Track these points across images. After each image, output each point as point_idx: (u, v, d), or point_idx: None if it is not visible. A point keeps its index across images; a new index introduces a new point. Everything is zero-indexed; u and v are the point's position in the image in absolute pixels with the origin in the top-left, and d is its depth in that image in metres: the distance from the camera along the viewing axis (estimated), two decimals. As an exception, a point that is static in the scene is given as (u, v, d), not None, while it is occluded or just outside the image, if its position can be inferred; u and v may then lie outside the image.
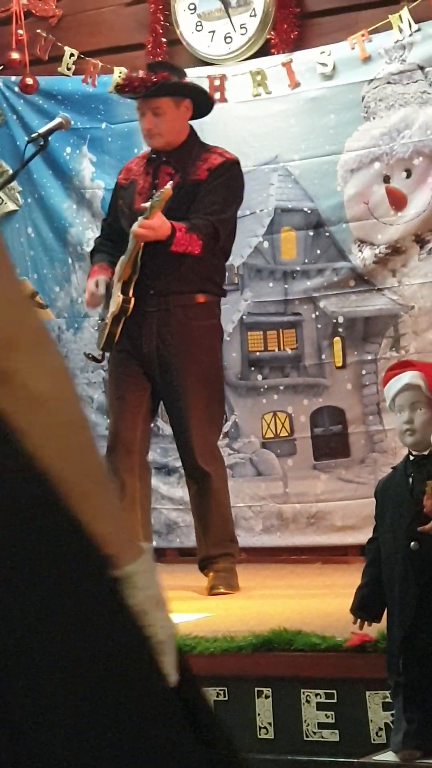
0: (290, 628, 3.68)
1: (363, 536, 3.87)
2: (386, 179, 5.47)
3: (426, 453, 3.32)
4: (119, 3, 6.10)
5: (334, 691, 3.53)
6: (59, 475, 1.20)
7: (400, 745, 3.20)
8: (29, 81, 5.95)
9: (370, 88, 5.51)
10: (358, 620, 3.39)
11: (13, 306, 1.20)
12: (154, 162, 4.75)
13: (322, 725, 3.54)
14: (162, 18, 5.91)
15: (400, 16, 5.41)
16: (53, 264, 6.10)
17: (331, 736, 3.53)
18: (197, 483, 4.70)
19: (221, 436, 5.49)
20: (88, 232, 5.92)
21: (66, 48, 6.07)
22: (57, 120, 4.97)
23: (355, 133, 5.53)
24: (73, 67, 6.08)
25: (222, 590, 4.61)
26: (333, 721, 3.53)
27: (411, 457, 3.36)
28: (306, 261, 5.65)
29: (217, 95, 5.77)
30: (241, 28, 5.78)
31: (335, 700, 3.54)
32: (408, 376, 3.35)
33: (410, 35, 5.41)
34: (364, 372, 5.52)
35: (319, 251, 5.62)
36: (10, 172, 5.64)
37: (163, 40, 5.91)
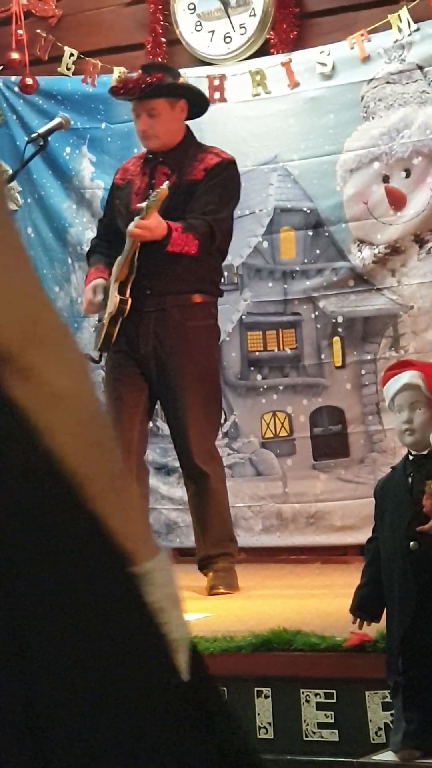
0: (290, 628, 3.68)
1: (362, 536, 3.87)
2: (385, 179, 5.47)
3: (425, 453, 3.32)
4: (119, 3, 6.10)
5: (334, 691, 3.53)
6: (78, 471, 1.20)
7: (399, 744, 3.20)
8: (29, 81, 5.95)
9: (370, 87, 5.51)
10: (358, 620, 3.39)
11: (32, 301, 1.21)
12: (150, 162, 4.75)
13: (321, 725, 3.55)
14: (161, 18, 5.91)
15: (399, 15, 5.42)
16: (53, 264, 6.10)
17: (331, 736, 3.53)
18: (195, 483, 4.70)
19: (221, 436, 5.49)
20: (87, 232, 5.92)
21: (66, 48, 6.07)
22: (57, 120, 4.97)
23: (355, 132, 5.53)
24: (73, 67, 6.08)
25: (221, 590, 4.61)
26: (332, 720, 3.53)
27: (410, 457, 3.36)
28: (305, 261, 5.65)
29: (216, 95, 5.77)
30: (240, 27, 5.78)
31: (335, 700, 3.54)
32: (407, 376, 3.35)
33: (409, 35, 5.41)
34: (363, 372, 5.53)
35: (318, 251, 5.62)
36: (10, 172, 5.64)
37: (163, 40, 5.91)
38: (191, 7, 5.88)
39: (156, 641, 1.22)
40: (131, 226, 4.49)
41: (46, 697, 1.13)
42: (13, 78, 6.08)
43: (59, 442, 1.20)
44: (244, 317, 5.75)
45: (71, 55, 6.07)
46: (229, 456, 5.70)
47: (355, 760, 3.36)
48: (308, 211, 5.64)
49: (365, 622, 3.39)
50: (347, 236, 5.55)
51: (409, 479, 3.32)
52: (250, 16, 5.76)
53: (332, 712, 3.53)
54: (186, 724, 1.21)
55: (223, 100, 5.78)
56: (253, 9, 5.74)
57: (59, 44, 6.08)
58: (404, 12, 5.40)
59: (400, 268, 5.43)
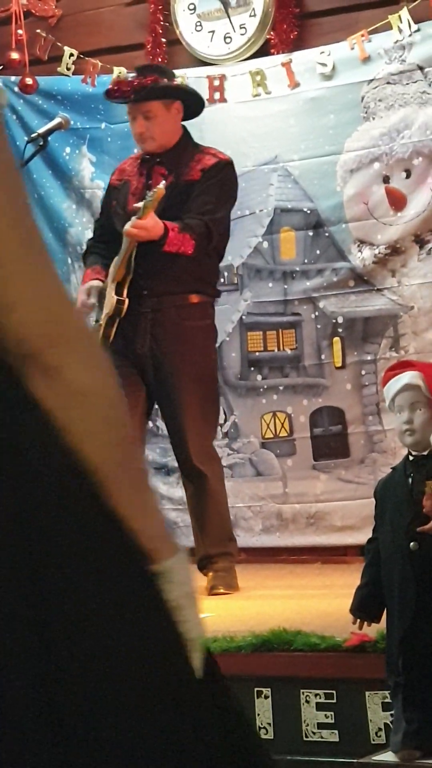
0: (290, 628, 3.68)
1: (362, 536, 3.87)
2: (386, 179, 5.47)
3: (425, 453, 3.32)
4: (119, 3, 6.10)
5: (334, 692, 3.53)
6: (100, 469, 1.22)
7: (399, 745, 3.20)
8: (29, 81, 5.95)
9: (370, 88, 5.51)
10: (358, 620, 3.39)
11: (57, 300, 1.23)
12: (147, 163, 4.75)
13: (321, 725, 3.54)
14: (161, 18, 5.91)
15: (399, 16, 5.42)
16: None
17: (331, 737, 3.53)
18: (194, 483, 4.70)
19: (221, 436, 5.49)
20: (87, 233, 5.91)
21: (65, 48, 6.07)
22: (56, 120, 4.97)
23: (355, 133, 5.53)
24: (73, 67, 6.08)
25: (221, 590, 4.61)
26: (332, 721, 3.53)
27: (410, 458, 3.36)
28: (305, 261, 5.65)
29: (216, 95, 5.78)
30: (240, 28, 5.78)
31: (335, 701, 3.54)
32: (407, 377, 3.35)
33: (410, 35, 5.41)
34: (363, 372, 5.53)
35: (318, 251, 5.62)
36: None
37: (163, 40, 5.91)
38: (191, 7, 5.88)
39: (172, 639, 1.24)
40: (128, 226, 4.49)
41: (67, 686, 1.15)
42: (12, 78, 6.08)
43: (82, 441, 1.22)
44: (244, 317, 5.75)
45: (71, 55, 6.07)
46: (229, 456, 5.70)
47: (355, 760, 3.36)
48: (308, 212, 5.64)
49: (365, 623, 3.39)
50: (347, 236, 5.55)
51: (410, 480, 3.32)
52: (250, 16, 5.76)
53: (332, 713, 3.53)
54: (198, 721, 1.23)
55: (223, 100, 5.79)
56: (254, 9, 5.74)
57: (59, 44, 6.08)
58: (404, 12, 5.40)
59: (400, 268, 5.43)
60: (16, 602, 1.15)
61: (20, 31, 6.00)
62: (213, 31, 5.84)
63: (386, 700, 3.40)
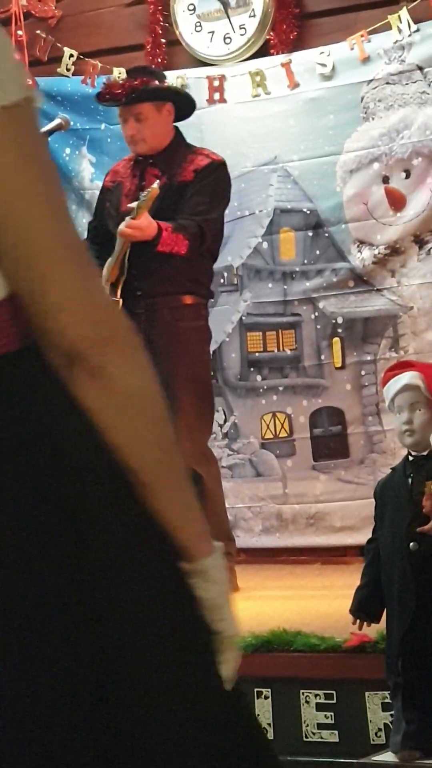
0: (289, 628, 3.68)
1: (362, 537, 3.87)
2: (385, 180, 5.47)
3: (425, 453, 3.33)
4: (119, 4, 6.09)
5: (334, 692, 3.53)
6: (144, 469, 1.24)
7: (399, 745, 3.20)
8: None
9: (369, 88, 5.51)
10: (358, 621, 3.39)
11: (103, 302, 1.25)
12: (140, 164, 4.75)
13: (321, 726, 3.55)
14: (161, 19, 5.91)
15: (399, 16, 5.42)
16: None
17: (331, 737, 3.53)
18: (190, 485, 4.69)
19: (221, 436, 5.49)
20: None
21: (65, 49, 6.07)
22: (56, 121, 4.97)
23: (355, 133, 5.53)
24: (73, 67, 6.08)
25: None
26: (332, 721, 3.53)
27: (410, 458, 3.36)
28: (305, 261, 5.65)
29: (216, 96, 5.78)
30: (240, 28, 5.78)
31: (334, 701, 3.54)
32: (407, 377, 3.35)
33: (409, 36, 5.41)
34: (363, 372, 5.53)
35: (318, 252, 5.62)
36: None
37: (163, 40, 5.91)
38: (191, 7, 5.88)
39: (203, 634, 1.27)
40: (122, 226, 4.49)
41: (116, 674, 1.19)
42: (12, 79, 6.07)
43: (127, 440, 1.24)
44: (243, 318, 5.75)
45: (71, 55, 6.07)
46: (229, 457, 5.70)
47: (354, 760, 3.36)
48: (308, 212, 5.64)
49: (365, 623, 3.39)
50: (347, 237, 5.55)
51: (409, 480, 3.32)
52: (249, 16, 5.76)
53: (332, 713, 3.54)
54: (226, 717, 1.27)
55: (222, 100, 5.78)
56: (253, 10, 5.74)
57: (59, 45, 6.08)
58: (404, 13, 5.40)
59: (399, 268, 5.43)
60: (69, 595, 1.17)
61: (20, 32, 6.00)
62: (213, 32, 5.84)
63: (386, 701, 3.40)
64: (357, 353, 5.54)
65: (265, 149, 5.70)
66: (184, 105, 4.76)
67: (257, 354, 5.76)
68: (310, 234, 5.64)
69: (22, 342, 1.23)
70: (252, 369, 5.75)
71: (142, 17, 5.98)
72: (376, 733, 3.48)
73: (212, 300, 5.36)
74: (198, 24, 5.87)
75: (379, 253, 5.45)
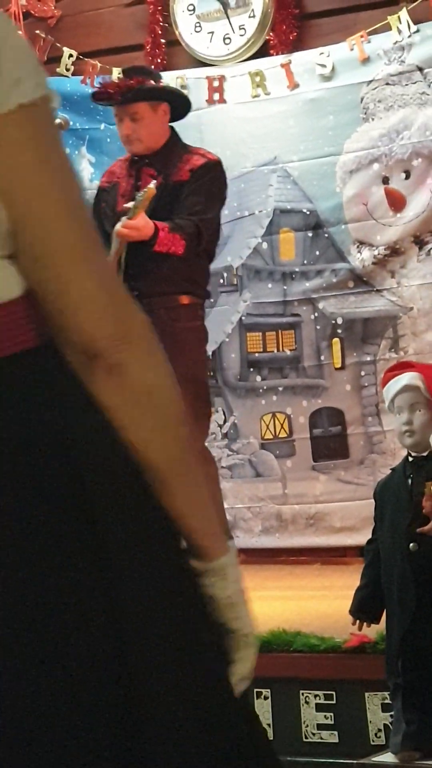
0: (289, 629, 3.68)
1: (362, 537, 3.87)
2: (385, 180, 5.47)
3: (425, 454, 3.33)
4: (118, 4, 6.09)
5: (333, 693, 3.53)
6: (162, 467, 1.25)
7: (399, 746, 3.20)
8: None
9: (369, 89, 5.51)
10: (357, 621, 3.39)
11: (122, 299, 1.26)
12: (136, 164, 4.75)
13: (321, 726, 3.55)
14: (161, 19, 5.91)
15: (398, 17, 5.42)
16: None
17: (330, 737, 3.53)
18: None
19: (220, 437, 5.48)
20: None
21: (65, 49, 6.07)
22: (56, 121, 4.96)
23: (354, 134, 5.53)
24: (72, 67, 6.08)
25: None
26: (332, 722, 3.53)
27: (410, 459, 3.36)
28: (305, 262, 5.65)
29: (216, 96, 5.77)
30: (240, 29, 5.78)
31: (334, 702, 3.54)
32: (407, 378, 3.35)
33: (409, 36, 5.41)
34: (363, 373, 5.53)
35: (318, 252, 5.62)
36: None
37: (162, 41, 5.91)
38: (191, 8, 5.88)
39: (212, 639, 1.28)
40: (118, 227, 4.49)
41: (138, 668, 1.20)
42: (12, 79, 6.07)
43: (145, 438, 1.24)
44: (243, 318, 5.75)
45: (70, 55, 6.07)
46: (229, 457, 5.69)
47: (354, 761, 3.36)
48: (308, 213, 5.64)
49: (365, 624, 3.39)
50: (347, 237, 5.55)
51: (409, 481, 3.32)
52: (249, 17, 5.76)
53: (332, 714, 3.54)
54: (237, 716, 1.28)
55: (222, 101, 5.78)
56: (253, 10, 5.74)
57: (58, 45, 6.08)
58: (404, 13, 5.40)
59: (399, 269, 5.43)
60: (86, 592, 1.18)
61: (19, 32, 5.98)
62: (212, 32, 5.84)
63: (386, 701, 3.40)
64: (357, 354, 5.54)
65: (264, 150, 5.70)
66: (179, 105, 4.76)
67: (257, 354, 5.75)
68: (310, 234, 5.64)
69: (39, 339, 1.24)
70: (252, 369, 5.75)
71: (141, 17, 5.98)
72: (375, 734, 3.48)
73: (212, 300, 5.36)
74: (198, 24, 5.86)
75: (378, 254, 5.45)
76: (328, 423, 5.59)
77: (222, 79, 5.80)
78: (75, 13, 6.15)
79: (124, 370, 1.23)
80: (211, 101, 5.76)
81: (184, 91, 5.62)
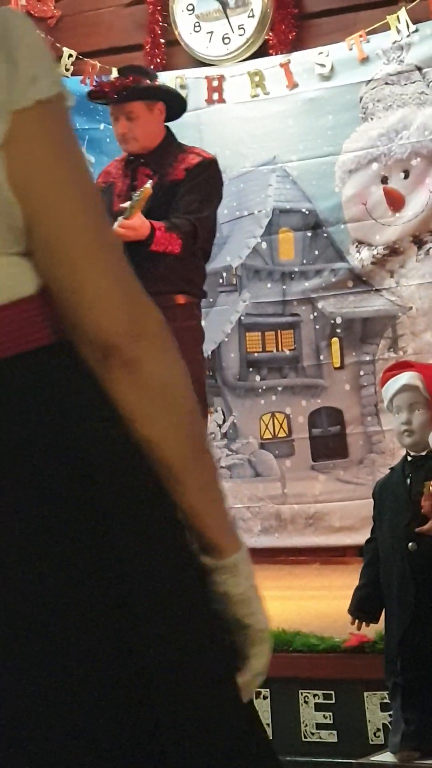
0: (288, 629, 3.68)
1: (361, 537, 3.87)
2: (384, 180, 5.47)
3: (424, 454, 3.33)
4: (118, 4, 6.09)
5: (333, 692, 3.54)
6: (176, 463, 1.25)
7: (398, 745, 3.20)
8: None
9: (368, 88, 5.51)
10: (357, 621, 3.39)
11: (138, 296, 1.26)
12: (132, 164, 4.74)
13: (320, 726, 3.55)
14: (160, 19, 5.91)
15: (398, 17, 5.42)
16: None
17: (330, 737, 3.53)
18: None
19: (220, 437, 5.48)
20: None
21: (64, 49, 6.07)
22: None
23: (353, 134, 5.53)
24: (72, 68, 6.08)
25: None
26: (331, 721, 3.53)
27: (409, 458, 3.36)
28: (304, 262, 5.65)
29: (215, 96, 5.77)
30: (239, 28, 5.78)
31: (333, 701, 3.54)
32: (406, 377, 3.35)
33: (408, 36, 5.41)
34: (362, 373, 5.53)
35: (317, 252, 5.62)
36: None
37: (162, 40, 5.91)
38: (190, 8, 5.88)
39: (218, 626, 1.28)
40: (115, 226, 4.49)
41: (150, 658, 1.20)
42: (11, 79, 6.07)
43: (160, 435, 1.24)
44: (242, 318, 5.75)
45: (70, 55, 6.07)
46: (228, 457, 5.69)
47: (353, 761, 3.36)
48: (307, 212, 5.64)
49: (364, 623, 3.39)
50: (346, 237, 5.55)
51: (408, 480, 3.32)
52: (248, 17, 5.76)
53: (331, 713, 3.54)
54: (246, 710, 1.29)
55: (221, 101, 5.78)
56: (252, 10, 5.74)
57: (58, 45, 6.08)
58: (403, 13, 5.40)
59: (398, 269, 5.43)
60: (99, 587, 1.18)
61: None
62: (212, 32, 5.84)
63: (385, 701, 3.41)
64: (356, 353, 5.54)
65: (264, 149, 5.70)
66: (175, 104, 4.75)
67: (256, 354, 5.76)
68: (309, 234, 5.64)
69: (54, 337, 1.24)
70: (251, 369, 5.75)
71: (141, 17, 5.98)
72: (374, 734, 3.48)
73: (211, 300, 5.36)
74: (197, 24, 5.87)
75: (378, 254, 5.45)
76: (327, 423, 5.60)
77: (221, 78, 5.80)
78: (74, 13, 6.15)
79: (139, 367, 1.23)
80: (210, 101, 5.77)
81: (184, 91, 5.63)
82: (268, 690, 3.59)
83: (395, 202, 5.44)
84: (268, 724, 3.56)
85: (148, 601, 1.20)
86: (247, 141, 5.70)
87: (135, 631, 1.19)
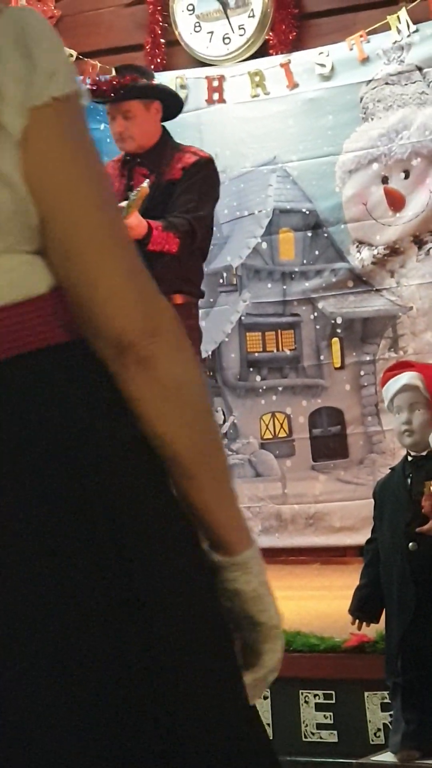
0: (289, 629, 3.68)
1: (361, 537, 3.87)
2: (384, 180, 5.47)
3: (424, 454, 3.33)
4: (118, 4, 6.09)
5: (333, 692, 3.54)
6: (189, 460, 1.25)
7: (398, 745, 3.20)
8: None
9: (369, 89, 5.51)
10: (357, 621, 3.39)
11: (152, 293, 1.26)
12: (128, 164, 4.74)
13: (320, 726, 3.55)
14: (161, 19, 5.91)
15: (398, 17, 5.42)
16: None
17: (330, 737, 3.53)
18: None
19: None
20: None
21: (64, 49, 6.07)
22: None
23: (354, 134, 5.53)
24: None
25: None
26: (331, 721, 3.53)
27: (409, 458, 3.36)
28: (304, 262, 5.65)
29: (215, 96, 5.77)
30: (239, 29, 5.78)
31: (334, 701, 3.54)
32: (406, 377, 3.35)
33: (408, 36, 5.41)
34: (362, 373, 5.53)
35: (317, 252, 5.62)
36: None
37: (162, 41, 5.91)
38: (190, 8, 5.88)
39: (224, 622, 1.27)
40: None
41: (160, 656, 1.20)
42: (12, 79, 6.07)
43: (174, 431, 1.24)
44: (243, 318, 5.75)
45: (70, 55, 6.07)
46: (228, 457, 5.70)
47: (354, 760, 3.36)
48: (307, 212, 5.64)
49: (364, 623, 3.39)
50: (346, 237, 5.55)
51: (408, 480, 3.32)
52: (249, 17, 5.76)
53: (331, 713, 3.54)
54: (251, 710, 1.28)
55: (222, 101, 5.78)
56: (252, 10, 5.74)
57: (58, 45, 6.07)
58: (403, 13, 5.40)
59: (399, 269, 5.43)
60: (111, 586, 1.18)
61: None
62: (212, 32, 5.84)
63: (385, 701, 3.41)
64: (356, 353, 5.54)
65: (264, 149, 5.70)
66: (172, 104, 4.76)
67: (256, 354, 5.76)
68: (310, 234, 5.64)
69: (67, 335, 1.24)
70: (251, 369, 5.75)
71: (141, 17, 5.98)
72: (375, 733, 3.48)
73: (211, 300, 5.36)
74: (197, 24, 5.87)
75: (378, 254, 5.45)
76: (327, 423, 5.60)
77: (221, 78, 5.80)
78: (75, 13, 6.15)
79: (154, 364, 1.23)
80: (210, 101, 5.76)
81: (184, 91, 5.63)
82: (268, 690, 3.59)
83: (396, 202, 5.44)
84: (268, 724, 3.56)
85: (156, 600, 1.20)
86: (247, 141, 5.70)
87: (137, 630, 1.18)
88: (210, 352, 5.60)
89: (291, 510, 5.63)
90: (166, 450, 1.25)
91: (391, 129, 5.44)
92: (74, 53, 6.06)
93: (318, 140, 5.60)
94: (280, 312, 5.70)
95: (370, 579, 3.37)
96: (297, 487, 5.62)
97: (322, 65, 5.60)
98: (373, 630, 3.46)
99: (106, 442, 1.21)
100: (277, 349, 5.71)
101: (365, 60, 5.52)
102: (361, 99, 5.52)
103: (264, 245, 5.72)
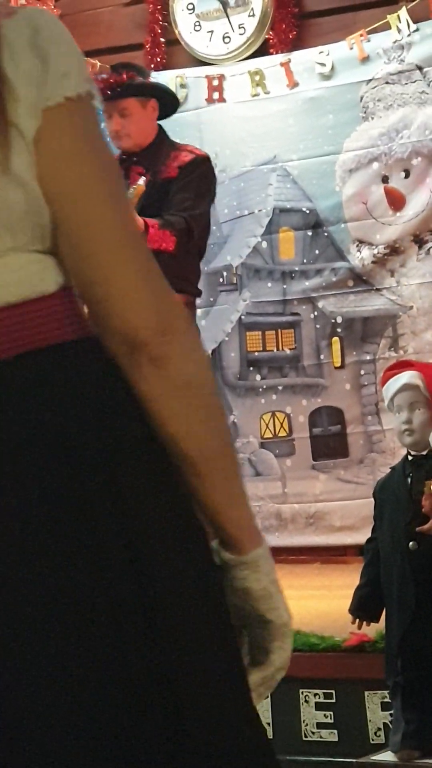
0: (289, 628, 3.67)
1: (362, 536, 3.87)
2: (385, 179, 5.47)
3: (424, 453, 3.33)
4: (118, 3, 6.09)
5: (333, 691, 3.54)
6: (200, 458, 1.25)
7: (398, 745, 3.20)
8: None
9: (369, 88, 5.51)
10: (357, 620, 3.39)
11: (164, 291, 1.26)
12: (124, 163, 4.74)
13: (320, 725, 3.55)
14: (160, 18, 5.91)
15: (398, 16, 5.42)
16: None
17: (330, 736, 3.53)
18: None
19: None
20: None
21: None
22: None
23: (354, 133, 5.53)
24: (72, 67, 6.08)
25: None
26: (332, 721, 3.53)
27: (409, 457, 3.36)
28: (304, 261, 5.65)
29: (215, 95, 5.77)
30: (239, 28, 5.78)
31: (334, 700, 3.54)
32: (406, 376, 3.35)
33: (408, 35, 5.41)
34: (362, 372, 5.53)
35: (317, 251, 5.62)
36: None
37: (162, 40, 5.91)
38: (190, 7, 5.88)
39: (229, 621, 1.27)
40: None
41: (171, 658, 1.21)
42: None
43: (186, 430, 1.25)
44: (243, 317, 5.75)
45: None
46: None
47: (354, 760, 3.36)
48: (307, 212, 5.64)
49: (364, 623, 3.39)
50: (346, 236, 5.55)
51: (409, 479, 3.32)
52: (249, 16, 5.76)
53: (331, 713, 3.54)
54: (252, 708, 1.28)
55: (222, 100, 5.78)
56: (252, 9, 5.74)
57: (58, 44, 6.07)
58: (403, 12, 5.40)
59: (399, 268, 5.43)
60: (122, 586, 1.18)
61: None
62: (212, 31, 5.84)
63: (385, 700, 3.41)
64: (356, 353, 5.54)
65: (264, 149, 5.70)
66: (168, 102, 4.75)
67: (256, 353, 5.75)
68: (310, 233, 5.64)
69: (76, 333, 1.25)
70: (251, 368, 5.75)
71: (141, 17, 5.98)
72: (375, 733, 3.48)
73: (211, 299, 5.36)
74: (197, 23, 5.86)
75: (378, 253, 5.45)
76: (327, 422, 5.60)
77: (221, 78, 5.80)
78: (74, 13, 6.15)
79: (166, 363, 1.23)
80: (210, 100, 5.76)
81: (184, 90, 5.64)
82: (268, 689, 3.58)
83: (396, 201, 5.44)
84: (268, 724, 3.56)
85: (161, 598, 1.20)
86: (247, 140, 5.70)
87: (141, 629, 1.18)
88: (210, 352, 5.60)
89: (291, 509, 5.63)
90: (178, 448, 1.25)
91: (392, 128, 5.44)
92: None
93: (318, 139, 5.60)
94: (280, 311, 5.70)
95: (370, 578, 3.37)
96: (297, 487, 5.62)
97: (323, 64, 5.59)
98: (373, 629, 3.46)
99: (111, 440, 1.21)
100: (277, 349, 5.71)
101: (365, 59, 5.52)
102: (362, 98, 5.52)
103: (264, 244, 5.72)
